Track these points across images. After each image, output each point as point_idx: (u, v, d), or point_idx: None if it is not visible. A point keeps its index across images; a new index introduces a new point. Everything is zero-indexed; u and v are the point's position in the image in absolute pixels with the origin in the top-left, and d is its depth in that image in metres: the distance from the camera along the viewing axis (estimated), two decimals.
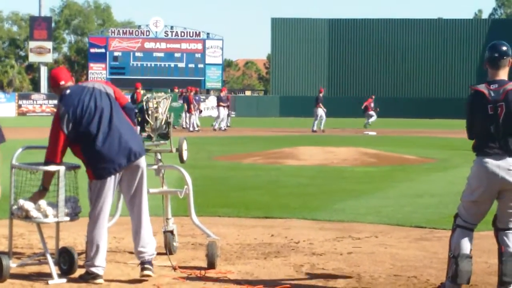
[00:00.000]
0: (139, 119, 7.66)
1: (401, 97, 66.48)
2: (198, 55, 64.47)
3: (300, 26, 70.94)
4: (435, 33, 70.31)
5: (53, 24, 75.69)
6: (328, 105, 40.90)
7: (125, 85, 54.75)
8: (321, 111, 38.31)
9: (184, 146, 7.90)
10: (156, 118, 7.79)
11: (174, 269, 7.26)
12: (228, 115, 42.60)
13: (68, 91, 6.81)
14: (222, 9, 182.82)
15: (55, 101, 60.85)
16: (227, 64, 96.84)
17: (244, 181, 15.52)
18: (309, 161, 19.77)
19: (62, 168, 6.72)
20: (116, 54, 63.74)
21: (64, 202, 6.75)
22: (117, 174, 6.73)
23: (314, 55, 70.78)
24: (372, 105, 44.98)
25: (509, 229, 6.28)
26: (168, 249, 7.86)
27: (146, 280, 6.74)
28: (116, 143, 6.66)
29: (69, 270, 6.91)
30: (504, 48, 6.23)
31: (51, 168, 6.71)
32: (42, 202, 6.71)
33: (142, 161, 6.84)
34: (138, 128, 7.57)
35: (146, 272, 6.71)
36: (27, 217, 6.73)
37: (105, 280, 6.74)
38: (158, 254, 7.70)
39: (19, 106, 60.67)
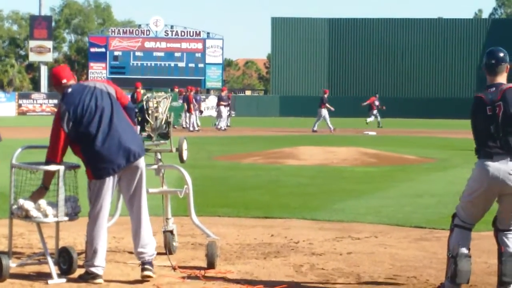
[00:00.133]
0: (139, 118, 7.65)
1: (401, 97, 66.49)
2: (198, 55, 64.48)
3: (300, 25, 70.94)
4: (435, 32, 70.31)
5: (53, 24, 75.72)
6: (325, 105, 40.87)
7: (125, 85, 54.69)
8: (325, 112, 38.26)
9: (184, 145, 7.91)
10: (156, 118, 7.79)
11: (174, 269, 7.26)
12: (229, 114, 42.55)
13: (69, 90, 6.80)
14: (222, 9, 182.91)
15: (55, 101, 60.89)
16: (227, 64, 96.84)
17: (244, 181, 15.53)
18: (309, 161, 19.77)
19: (62, 168, 6.72)
20: (116, 53, 63.76)
21: (64, 201, 6.75)
22: (116, 174, 6.73)
23: (314, 54, 70.78)
24: (377, 103, 45.03)
25: (509, 230, 6.30)
26: (168, 249, 7.86)
27: (148, 281, 6.74)
28: (116, 143, 6.66)
29: (68, 270, 6.91)
30: (501, 54, 6.28)
31: (51, 167, 6.71)
32: (42, 202, 6.71)
33: (141, 162, 6.84)
34: (138, 127, 7.56)
35: (146, 273, 6.71)
36: (27, 216, 6.73)
37: (105, 280, 6.74)
38: (158, 254, 7.70)
39: (19, 105, 60.65)
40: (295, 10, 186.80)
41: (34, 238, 8.52)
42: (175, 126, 36.57)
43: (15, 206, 6.80)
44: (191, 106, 38.97)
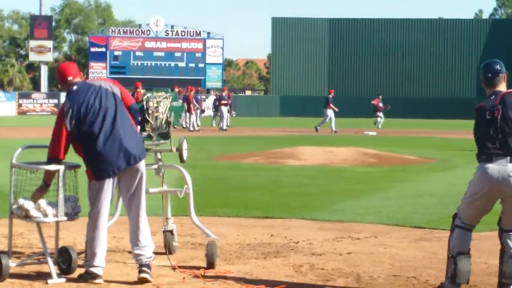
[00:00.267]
0: (139, 118, 7.64)
1: (401, 97, 66.47)
2: (198, 55, 64.48)
3: (300, 25, 70.94)
4: (435, 33, 70.31)
5: (53, 23, 75.70)
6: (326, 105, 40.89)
7: (126, 85, 53.92)
8: (330, 112, 38.23)
9: (184, 145, 7.91)
10: (156, 118, 7.79)
11: (174, 268, 7.26)
12: (229, 113, 42.41)
13: (75, 87, 6.78)
14: (223, 9, 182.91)
15: (55, 101, 60.94)
16: (228, 64, 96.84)
17: (244, 181, 15.52)
18: (309, 161, 19.77)
19: (62, 168, 6.71)
20: (116, 53, 63.76)
21: (64, 201, 6.75)
22: (116, 176, 6.72)
23: (314, 54, 70.78)
24: (381, 104, 45.09)
25: None
26: (167, 249, 7.86)
27: (146, 282, 6.74)
28: (117, 145, 6.64)
29: (68, 269, 6.91)
30: (498, 66, 6.39)
31: (51, 167, 6.70)
32: (42, 202, 6.71)
33: (142, 165, 6.82)
34: (139, 127, 7.55)
35: (143, 275, 6.70)
36: (27, 216, 6.73)
37: (104, 280, 6.74)
38: (158, 253, 7.71)
39: (19, 105, 60.63)
40: (296, 10, 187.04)
41: (34, 238, 8.52)
42: (175, 126, 36.60)
43: (15, 206, 6.80)
44: (191, 106, 38.97)
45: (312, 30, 70.81)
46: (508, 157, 6.11)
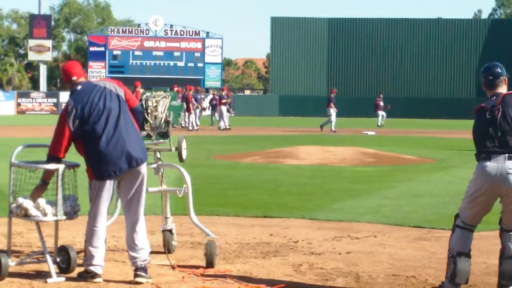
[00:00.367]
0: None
1: (400, 97, 66.45)
2: (197, 54, 64.47)
3: (299, 25, 70.92)
4: (434, 33, 70.30)
5: (52, 23, 75.70)
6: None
7: (125, 84, 54.01)
8: (333, 111, 38.21)
9: (184, 145, 7.90)
10: (155, 117, 7.79)
11: (173, 268, 7.26)
12: (228, 112, 42.34)
13: (79, 87, 6.77)
14: (222, 8, 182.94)
15: (54, 100, 60.93)
16: (227, 63, 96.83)
17: (243, 181, 15.52)
18: (308, 160, 19.77)
19: (61, 167, 6.71)
20: (115, 52, 63.75)
21: (63, 200, 6.75)
22: (117, 177, 6.71)
23: (313, 54, 70.76)
24: (382, 103, 45.13)
25: None
26: (166, 248, 7.86)
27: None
28: (120, 146, 6.63)
29: (67, 268, 6.91)
30: (498, 69, 6.44)
31: (51, 167, 6.70)
32: (41, 201, 6.71)
33: (144, 168, 6.80)
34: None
35: (137, 279, 6.70)
36: (26, 215, 6.73)
37: (103, 279, 6.73)
38: (157, 252, 7.71)
39: (18, 104, 60.62)
40: (295, 10, 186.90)
41: (33, 237, 8.52)
42: (174, 125, 36.68)
43: (14, 205, 6.80)
44: (190, 105, 38.97)
45: (311, 29, 70.80)
46: (507, 155, 6.12)
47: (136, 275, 6.72)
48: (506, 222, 6.34)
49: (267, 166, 18.60)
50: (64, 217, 6.79)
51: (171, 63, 63.84)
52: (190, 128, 38.44)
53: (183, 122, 40.18)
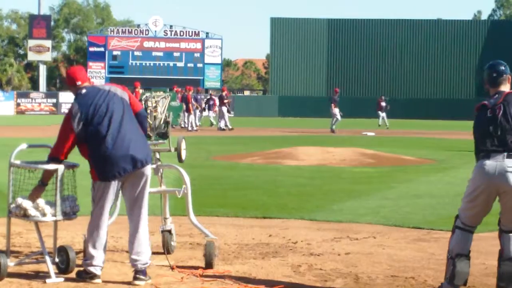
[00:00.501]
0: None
1: (399, 97, 66.43)
2: (197, 55, 64.46)
3: (299, 26, 70.93)
4: (434, 33, 70.33)
5: (52, 23, 75.71)
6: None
7: (124, 84, 54.57)
8: (337, 111, 38.19)
9: (183, 145, 7.90)
10: (155, 117, 7.79)
11: (172, 268, 7.26)
12: (228, 112, 42.30)
13: (83, 91, 6.81)
14: (222, 9, 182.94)
15: (54, 100, 60.96)
16: (226, 64, 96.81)
17: (242, 181, 15.52)
18: (307, 161, 19.77)
19: (60, 167, 6.71)
20: (115, 53, 63.74)
21: (62, 201, 6.75)
22: (121, 178, 6.70)
23: (313, 55, 70.78)
24: (383, 104, 45.18)
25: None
26: (166, 249, 7.86)
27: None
28: (124, 148, 6.64)
29: (66, 269, 6.91)
30: (502, 67, 6.45)
31: (50, 167, 6.70)
32: (40, 201, 6.71)
33: (148, 169, 6.80)
34: None
35: (136, 282, 6.70)
36: (25, 215, 6.73)
37: (102, 280, 6.73)
38: (156, 253, 7.71)
39: (18, 104, 60.63)
40: (294, 11, 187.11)
41: (32, 237, 8.52)
42: (174, 126, 36.68)
43: (13, 205, 6.80)
44: (190, 105, 38.97)
45: (311, 30, 70.81)
46: (505, 153, 6.13)
47: (135, 278, 6.72)
48: (505, 222, 6.33)
49: (267, 167, 18.60)
50: (63, 218, 6.79)
51: (171, 64, 63.83)
52: (190, 128, 38.44)
53: (182, 123, 40.18)
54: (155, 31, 64.07)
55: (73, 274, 6.86)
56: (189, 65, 64.16)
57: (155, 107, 7.79)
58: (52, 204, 6.72)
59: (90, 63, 63.86)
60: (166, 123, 7.85)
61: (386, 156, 21.20)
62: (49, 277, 6.69)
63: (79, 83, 6.86)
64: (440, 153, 23.92)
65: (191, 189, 7.67)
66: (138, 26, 67.76)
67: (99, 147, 6.62)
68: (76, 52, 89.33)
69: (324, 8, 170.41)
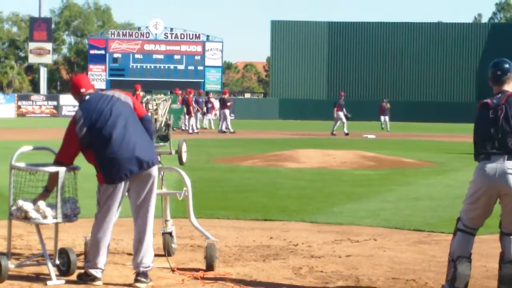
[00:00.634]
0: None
1: (400, 100, 66.47)
2: (197, 57, 64.47)
3: (300, 29, 70.99)
4: (434, 37, 70.37)
5: (53, 25, 75.74)
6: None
7: (125, 87, 54.61)
8: (341, 114, 38.20)
9: (184, 148, 7.91)
10: (155, 120, 7.80)
11: (173, 270, 7.26)
12: (230, 113, 42.25)
13: (87, 97, 6.86)
14: (222, 12, 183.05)
15: (55, 102, 60.99)
16: (227, 67, 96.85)
17: (243, 184, 15.53)
18: (308, 164, 19.77)
19: (62, 170, 6.72)
20: (115, 55, 63.77)
21: (63, 203, 6.75)
22: (128, 180, 6.71)
23: (313, 58, 70.83)
24: (388, 106, 45.20)
25: None
26: (166, 251, 7.86)
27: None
28: (130, 150, 6.64)
29: (67, 271, 6.91)
30: (506, 65, 6.44)
31: (50, 169, 6.71)
32: (41, 203, 6.71)
33: (154, 171, 6.80)
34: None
35: (137, 284, 6.70)
36: (26, 218, 6.73)
37: (103, 282, 6.73)
38: (157, 255, 7.71)
39: (19, 107, 60.65)
40: (295, 14, 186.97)
41: (33, 239, 8.52)
42: (174, 128, 36.68)
43: (14, 207, 6.80)
44: (191, 108, 38.97)
45: (311, 33, 70.86)
46: (506, 155, 6.13)
47: (136, 280, 6.72)
48: (505, 225, 6.33)
49: (267, 170, 18.60)
50: (64, 220, 6.79)
51: (171, 66, 63.86)
52: (190, 131, 38.44)
53: (183, 125, 40.19)
54: (156, 33, 64.11)
55: (74, 277, 6.87)
56: (189, 67, 64.18)
57: (156, 109, 7.80)
58: (53, 206, 6.73)
59: (91, 66, 63.91)
60: (167, 125, 7.86)
61: (387, 159, 21.20)
62: (50, 279, 6.70)
63: (83, 90, 6.91)
64: (440, 155, 23.92)
65: (192, 192, 7.67)
66: (139, 28, 67.76)
67: (104, 150, 6.64)
68: (76, 54, 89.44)
69: (325, 11, 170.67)
